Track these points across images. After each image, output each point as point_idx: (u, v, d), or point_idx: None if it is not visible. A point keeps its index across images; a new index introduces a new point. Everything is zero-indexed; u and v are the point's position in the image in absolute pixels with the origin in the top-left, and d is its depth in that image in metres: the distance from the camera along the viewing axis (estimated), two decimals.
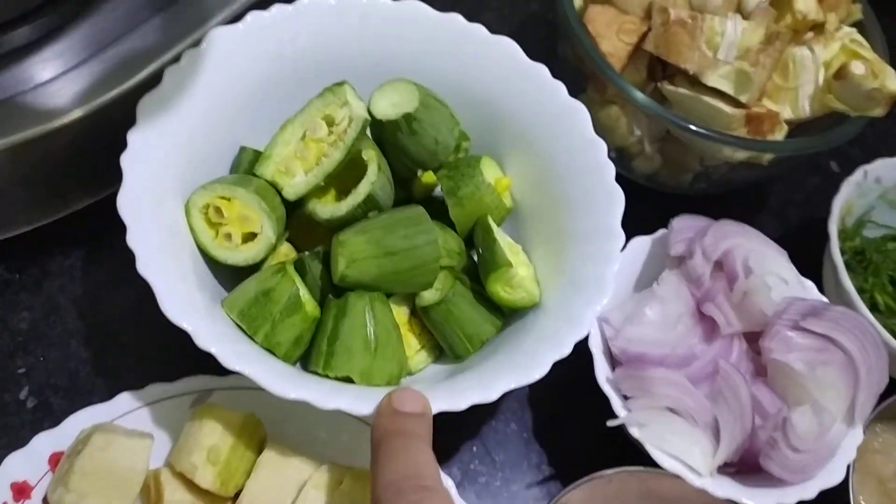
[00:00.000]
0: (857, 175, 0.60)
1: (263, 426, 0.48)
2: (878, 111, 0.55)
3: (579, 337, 0.45)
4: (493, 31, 0.71)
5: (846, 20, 0.61)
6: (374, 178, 0.50)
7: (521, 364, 0.45)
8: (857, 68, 0.52)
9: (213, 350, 0.41)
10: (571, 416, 0.56)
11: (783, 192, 0.69)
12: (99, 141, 0.48)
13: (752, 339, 0.50)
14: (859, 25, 0.61)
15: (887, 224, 0.64)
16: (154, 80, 0.48)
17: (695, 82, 0.54)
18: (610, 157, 0.61)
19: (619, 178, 0.62)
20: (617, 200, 0.50)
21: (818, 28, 0.59)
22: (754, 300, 0.49)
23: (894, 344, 0.53)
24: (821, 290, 0.58)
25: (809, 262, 0.59)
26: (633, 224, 0.60)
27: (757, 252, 0.51)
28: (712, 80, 0.52)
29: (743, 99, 0.52)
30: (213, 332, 0.42)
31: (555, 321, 0.47)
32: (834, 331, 0.48)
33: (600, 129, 0.60)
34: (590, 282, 0.48)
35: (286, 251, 0.52)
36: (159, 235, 0.45)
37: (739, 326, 0.49)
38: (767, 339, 0.48)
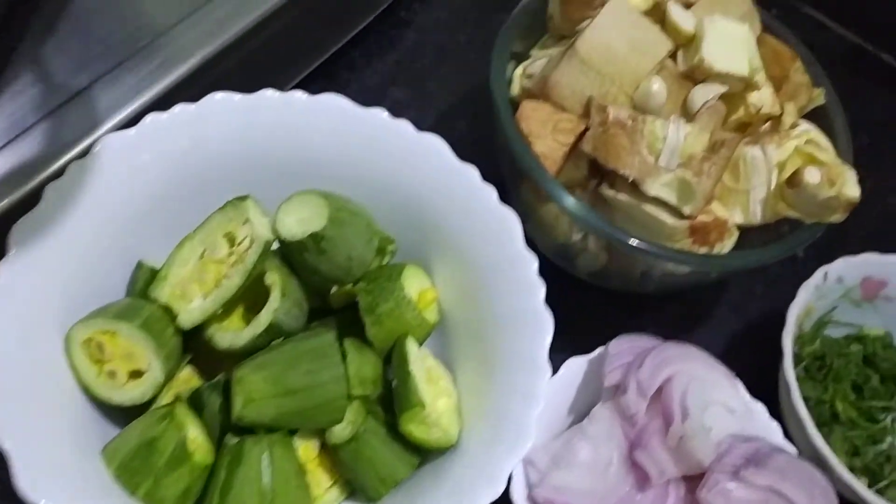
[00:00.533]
0: (816, 277, 0.56)
1: None
2: (836, 217, 0.50)
3: (495, 496, 0.41)
4: (436, 103, 0.67)
5: (807, 107, 0.57)
6: (277, 304, 0.45)
7: None
8: (812, 176, 0.48)
9: None
10: None
11: (744, 283, 0.65)
12: None
13: (693, 480, 0.46)
14: (822, 112, 0.57)
15: (850, 322, 0.60)
16: (32, 200, 0.44)
17: (636, 188, 0.49)
18: (553, 252, 0.57)
19: (563, 275, 0.58)
20: (545, 328, 0.46)
21: (775, 120, 0.54)
22: (690, 446, 0.44)
23: (849, 480, 0.48)
24: (775, 399, 0.54)
25: (769, 361, 0.55)
26: (578, 327, 0.56)
27: (699, 381, 0.47)
28: (653, 188, 0.48)
29: (686, 210, 0.48)
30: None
31: (471, 472, 0.43)
32: (779, 482, 0.43)
33: (542, 224, 0.56)
34: (511, 426, 0.43)
35: (187, 377, 0.48)
36: (25, 387, 0.40)
37: (675, 473, 0.45)
38: (705, 489, 0.44)
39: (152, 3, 0.53)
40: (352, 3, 0.65)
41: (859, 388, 0.58)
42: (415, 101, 0.67)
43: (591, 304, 0.59)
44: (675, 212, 0.49)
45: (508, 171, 0.56)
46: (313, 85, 0.64)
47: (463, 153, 0.51)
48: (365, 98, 0.65)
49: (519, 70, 0.56)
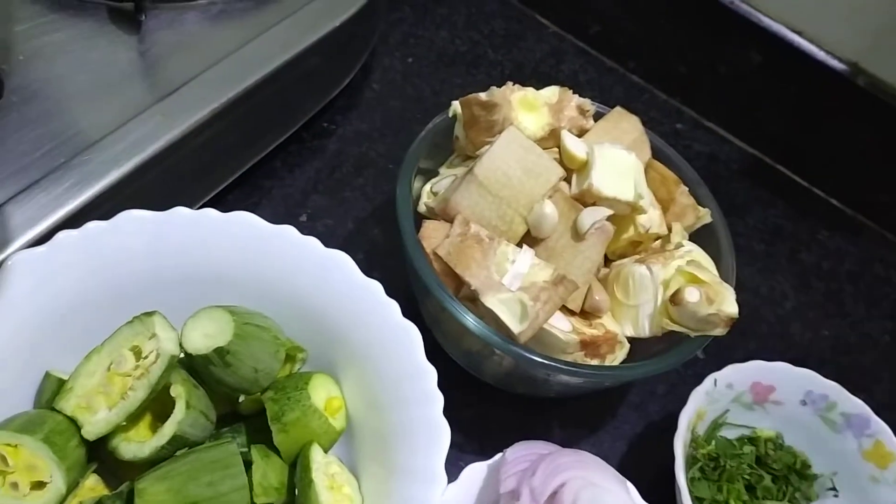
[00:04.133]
0: (707, 384, 0.59)
1: None
2: (718, 331, 0.54)
3: None
4: (353, 211, 0.70)
5: (695, 225, 0.61)
6: (181, 417, 0.47)
7: None
8: (692, 295, 0.52)
9: None
10: None
11: (646, 385, 0.68)
12: None
13: None
14: (708, 229, 0.61)
15: (744, 424, 0.63)
16: None
17: (475, 298, 0.52)
18: (461, 359, 0.60)
19: (471, 380, 0.61)
20: (441, 438, 0.48)
21: (664, 239, 0.58)
22: None
23: None
24: (673, 499, 0.56)
25: (669, 461, 0.58)
26: (484, 431, 0.58)
27: (592, 488, 0.49)
28: (491, 301, 0.51)
29: (516, 329, 0.50)
30: None
31: None
32: None
33: (448, 333, 0.59)
34: None
35: (92, 485, 0.49)
36: None
37: None
38: None
39: (73, 122, 0.55)
40: (275, 117, 0.68)
41: (752, 487, 0.61)
42: (334, 209, 0.70)
43: (498, 407, 0.62)
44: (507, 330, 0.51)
45: (415, 285, 0.59)
46: (234, 192, 0.67)
47: (376, 260, 0.53)
48: (286, 204, 0.68)
49: (427, 186, 0.60)
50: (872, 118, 0.79)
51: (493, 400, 0.61)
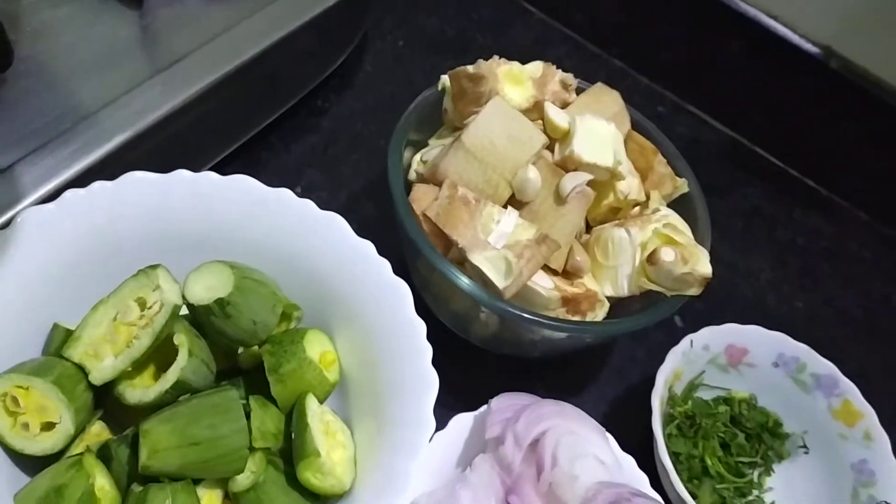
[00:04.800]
0: (683, 345, 0.62)
1: None
2: (692, 291, 0.57)
3: None
4: (348, 185, 0.73)
5: (673, 194, 0.64)
6: (184, 363, 0.49)
7: None
8: (667, 255, 0.55)
9: None
10: None
11: (626, 350, 0.71)
12: None
13: None
14: (686, 199, 0.64)
15: (719, 386, 0.66)
16: None
17: (463, 260, 0.55)
18: (449, 320, 0.63)
19: (458, 341, 0.64)
20: (430, 387, 0.50)
21: (642, 206, 0.61)
22: (559, 491, 0.49)
23: None
24: (650, 458, 0.59)
25: (648, 420, 0.60)
26: (472, 388, 0.61)
27: (571, 435, 0.52)
28: (477, 259, 0.54)
29: (501, 284, 0.53)
30: None
31: None
32: None
33: (437, 294, 0.61)
34: (395, 476, 0.47)
35: (98, 430, 0.51)
36: None
37: None
38: None
39: (78, 90, 0.58)
40: (271, 93, 0.71)
41: (727, 445, 0.64)
42: (328, 183, 0.73)
43: (484, 367, 0.64)
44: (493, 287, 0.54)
45: (406, 248, 0.61)
46: (232, 164, 0.69)
47: (369, 230, 0.56)
48: (282, 178, 0.71)
49: (417, 156, 0.63)
50: (845, 101, 0.82)
51: (480, 360, 0.64)
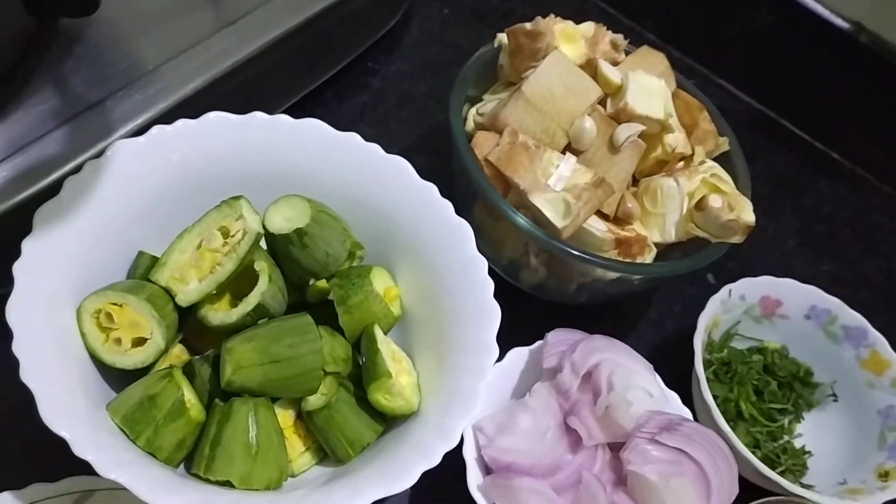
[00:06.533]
0: (723, 293, 0.65)
1: None
2: (736, 238, 0.60)
3: (448, 448, 0.48)
4: (398, 141, 0.76)
5: (714, 152, 0.67)
6: (265, 288, 0.52)
7: (392, 473, 0.48)
8: (715, 201, 0.58)
9: (89, 458, 0.43)
10: None
11: (663, 303, 0.74)
12: None
13: (617, 448, 0.54)
14: (726, 157, 0.68)
15: (753, 336, 0.69)
16: (54, 190, 0.51)
17: (524, 201, 0.58)
18: (500, 267, 0.66)
19: (508, 287, 0.67)
20: (493, 317, 0.54)
21: (688, 160, 0.65)
22: (615, 415, 0.52)
23: (745, 453, 0.57)
24: (689, 399, 0.62)
25: (684, 369, 0.64)
26: (521, 329, 0.64)
27: (623, 367, 0.55)
28: (537, 200, 0.57)
29: (560, 224, 0.56)
30: (92, 439, 0.44)
31: (429, 431, 0.50)
32: (687, 445, 0.51)
33: (491, 241, 0.64)
34: (464, 395, 0.51)
35: (178, 353, 0.54)
36: (46, 342, 0.46)
37: (602, 438, 0.53)
38: (627, 451, 0.52)
39: (156, 36, 0.61)
40: (327, 51, 0.74)
41: (760, 391, 0.67)
42: (379, 138, 0.74)
43: (532, 312, 0.67)
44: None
45: (462, 194, 0.64)
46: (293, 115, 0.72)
47: None
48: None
49: (472, 111, 0.66)
50: (873, 76, 0.85)
51: (528, 305, 0.67)
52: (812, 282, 0.80)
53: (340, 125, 0.75)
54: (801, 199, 0.87)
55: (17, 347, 0.44)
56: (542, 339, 0.60)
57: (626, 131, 0.60)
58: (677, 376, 0.63)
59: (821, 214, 0.86)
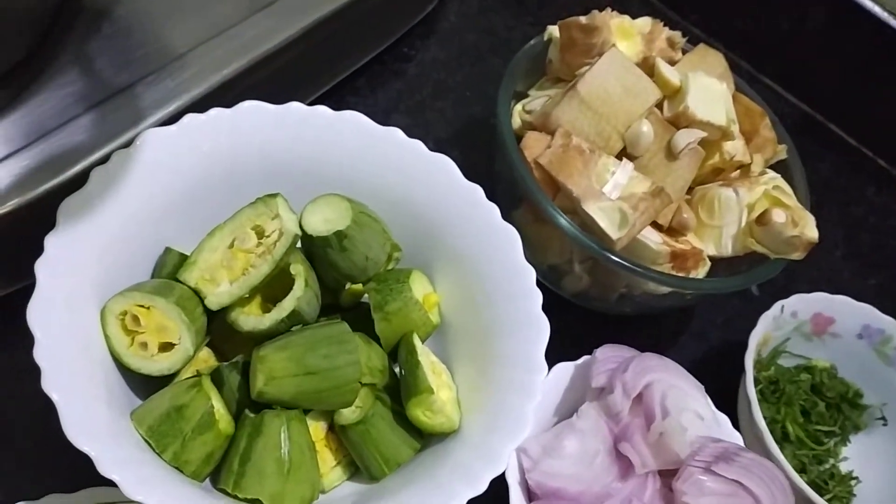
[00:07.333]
0: (774, 309, 0.62)
1: None
2: (796, 255, 0.57)
3: (495, 474, 0.45)
4: (434, 132, 0.73)
5: (772, 159, 0.64)
6: (301, 293, 0.49)
7: (435, 497, 0.45)
8: (779, 216, 0.54)
9: (115, 478, 0.39)
10: None
11: (706, 315, 0.71)
12: (12, 239, 0.46)
13: (668, 475, 0.51)
14: (783, 165, 0.64)
15: (801, 354, 0.66)
16: (80, 181, 0.47)
17: (576, 207, 0.55)
18: (541, 273, 0.62)
19: (548, 293, 0.63)
20: (542, 330, 0.50)
21: (745, 168, 0.61)
22: (669, 441, 0.49)
23: (798, 482, 0.54)
24: (735, 419, 0.59)
25: (728, 384, 0.61)
26: (561, 339, 0.61)
27: (675, 389, 0.52)
28: (591, 208, 0.53)
29: (614, 235, 0.53)
30: (117, 456, 0.41)
31: (472, 453, 0.47)
32: (744, 476, 0.48)
33: (533, 246, 0.61)
34: (510, 415, 0.47)
35: (205, 357, 0.51)
36: (69, 347, 0.43)
37: (654, 465, 0.50)
38: (680, 481, 0.48)
39: (188, 19, 0.57)
40: (362, 37, 0.71)
41: (807, 412, 0.64)
42: (414, 129, 0.71)
43: (574, 321, 0.64)
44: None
45: (504, 196, 0.61)
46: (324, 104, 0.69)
47: None
48: None
49: (518, 107, 0.62)
50: None
51: (570, 313, 0.64)
52: (859, 296, 0.77)
53: (375, 114, 0.72)
54: (847, 208, 0.83)
55: (39, 354, 0.41)
56: (584, 351, 0.57)
57: (685, 137, 0.56)
58: (721, 393, 0.60)
59: (868, 224, 0.83)
